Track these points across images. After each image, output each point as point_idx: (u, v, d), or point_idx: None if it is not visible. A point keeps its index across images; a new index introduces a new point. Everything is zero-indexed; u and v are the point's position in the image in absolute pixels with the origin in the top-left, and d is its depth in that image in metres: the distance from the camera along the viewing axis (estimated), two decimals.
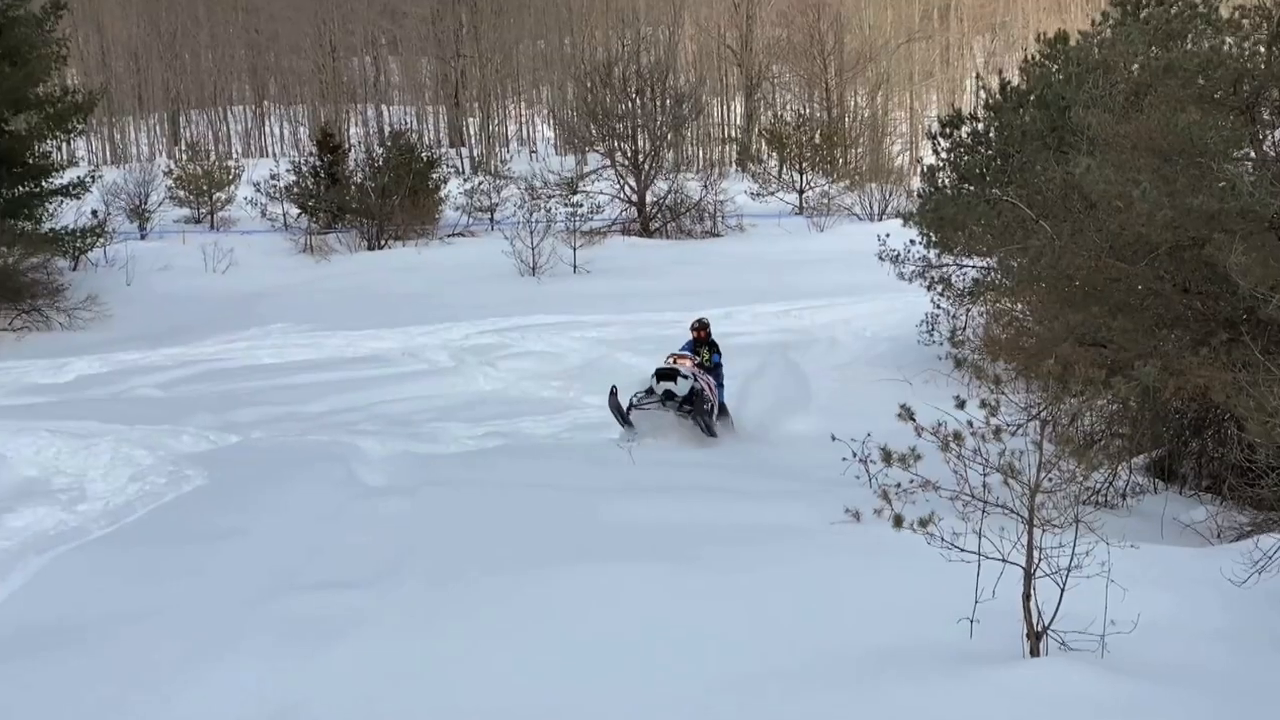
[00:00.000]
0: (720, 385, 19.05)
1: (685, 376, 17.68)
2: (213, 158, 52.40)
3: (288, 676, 7.61)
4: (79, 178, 36.66)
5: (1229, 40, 11.74)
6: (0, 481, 13.77)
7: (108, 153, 64.60)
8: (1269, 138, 11.03)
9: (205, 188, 46.19)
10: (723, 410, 18.91)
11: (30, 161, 34.39)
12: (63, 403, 19.31)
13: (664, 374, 17.72)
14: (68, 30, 36.76)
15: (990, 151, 21.53)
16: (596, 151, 45.11)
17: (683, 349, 19.15)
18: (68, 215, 35.39)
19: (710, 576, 9.24)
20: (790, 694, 6.94)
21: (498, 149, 64.67)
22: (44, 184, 34.70)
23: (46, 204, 34.67)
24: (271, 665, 7.73)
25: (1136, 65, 13.05)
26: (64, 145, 40.36)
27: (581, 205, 40.56)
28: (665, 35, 67.40)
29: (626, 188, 43.69)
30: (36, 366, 23.40)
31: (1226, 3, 12.79)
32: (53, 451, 15.08)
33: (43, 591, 10.11)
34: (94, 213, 36.92)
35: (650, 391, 17.99)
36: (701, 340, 19.34)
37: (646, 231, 42.03)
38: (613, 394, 17.88)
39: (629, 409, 17.90)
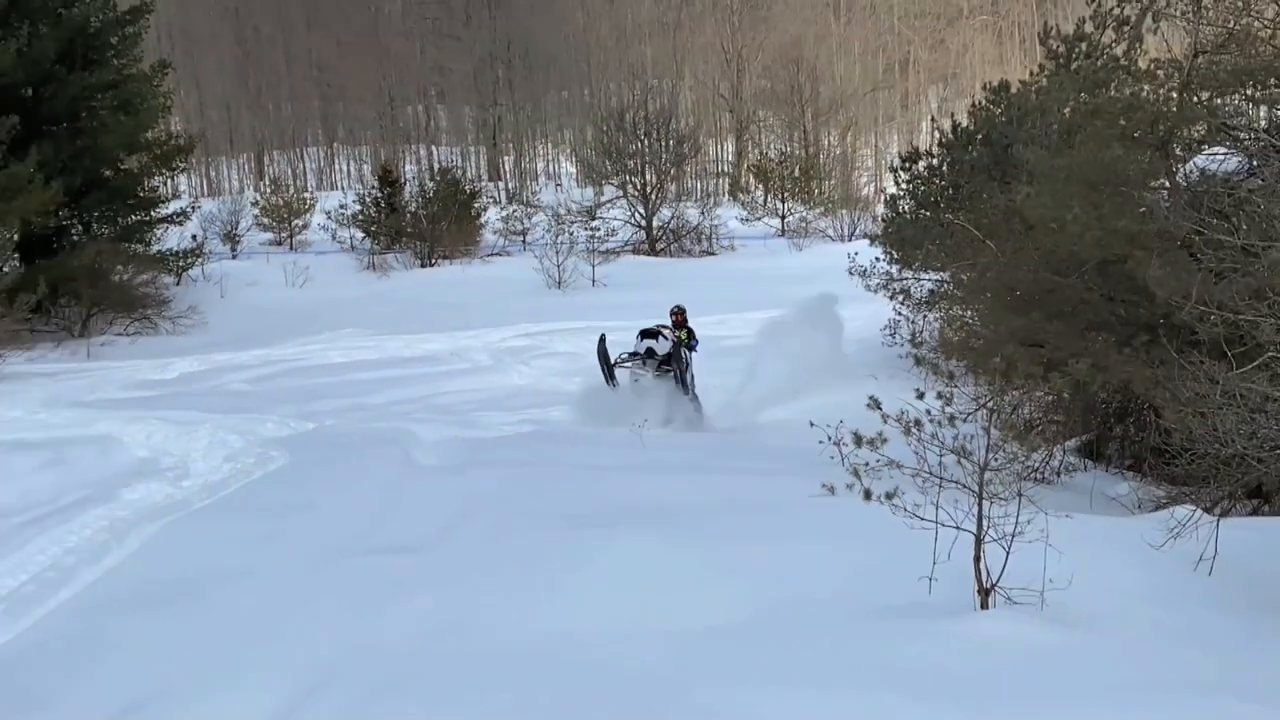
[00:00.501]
0: (690, 370, 18.39)
1: (666, 337, 17.55)
2: (291, 191, 52.32)
3: (364, 621, 7.58)
4: (181, 208, 36.71)
5: (1146, 88, 11.72)
6: (118, 461, 13.75)
7: (204, 187, 64.56)
8: (1180, 170, 10.98)
9: (285, 216, 46.18)
10: (694, 398, 18.32)
11: (141, 195, 34.46)
12: (168, 395, 19.31)
13: (647, 333, 17.59)
14: (171, 85, 36.65)
15: (943, 182, 21.49)
16: (611, 184, 45.08)
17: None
18: (172, 239, 35.43)
19: (706, 538, 9.22)
20: (776, 637, 6.90)
21: (528, 182, 64.57)
22: (153, 213, 34.73)
23: (155, 230, 34.70)
24: (349, 613, 7.71)
25: (1068, 109, 13.01)
26: (169, 181, 40.35)
27: (599, 229, 40.61)
28: (669, 86, 67.31)
29: (636, 214, 43.72)
30: (146, 365, 23.40)
31: (1144, 56, 12.71)
32: (161, 436, 15.08)
33: (154, 554, 10.10)
34: (194, 237, 36.94)
35: (635, 354, 17.79)
36: (679, 324, 18.88)
37: (653, 251, 42.00)
38: (601, 340, 17.64)
39: (614, 364, 17.60)
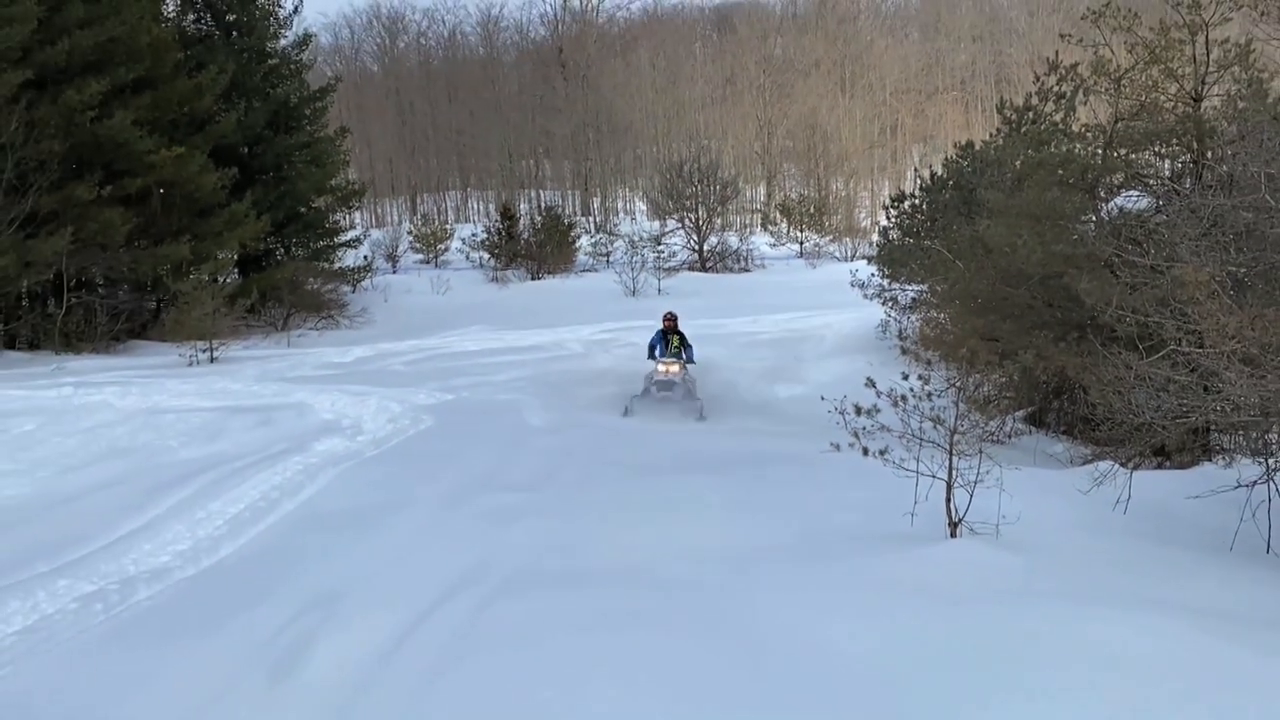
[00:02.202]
0: (690, 359, 16.64)
1: (677, 383, 15.84)
2: (436, 223, 52.65)
3: (484, 545, 7.64)
4: (356, 236, 37.17)
5: (1078, 146, 11.59)
6: (309, 422, 13.89)
7: (373, 220, 65.11)
8: (1103, 208, 10.88)
9: (432, 242, 46.44)
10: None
11: (326, 226, 34.83)
12: (347, 374, 19.48)
13: (662, 384, 15.82)
14: (349, 145, 37.02)
15: (923, 217, 21.32)
16: (672, 218, 45.01)
17: (656, 337, 17.03)
18: (349, 259, 35.72)
19: (739, 481, 9.25)
20: (805, 556, 6.91)
21: (611, 216, 64.57)
22: (335, 240, 35.09)
23: (336, 252, 35.02)
24: (480, 534, 7.78)
25: (1018, 161, 12.87)
26: (347, 216, 40.76)
27: (663, 251, 40.50)
28: (715, 145, 67.18)
29: (691, 240, 43.63)
30: (330, 351, 23.62)
31: (1076, 122, 12.57)
32: (341, 403, 15.20)
33: (335, 490, 10.19)
34: (365, 257, 37.21)
35: (652, 380, 15.99)
36: (671, 329, 17.01)
37: (704, 268, 41.86)
38: (630, 403, 15.59)
39: (638, 396, 15.78)
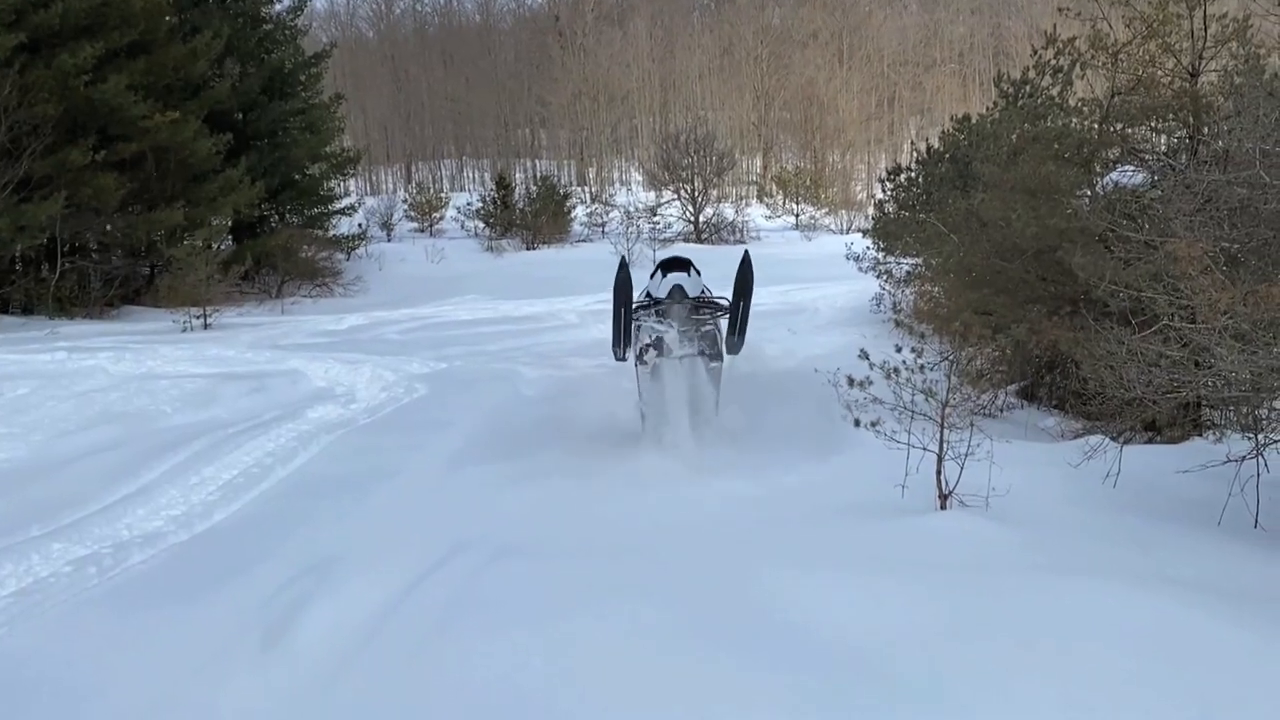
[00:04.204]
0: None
1: (695, 269, 10.28)
2: (431, 191, 52.40)
3: (476, 513, 7.67)
4: (350, 204, 37.02)
5: (1074, 120, 11.58)
6: (302, 390, 13.91)
7: (367, 188, 64.75)
8: (1098, 182, 10.87)
9: (427, 210, 46.26)
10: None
11: (321, 193, 34.74)
12: (341, 342, 19.49)
13: (671, 263, 10.13)
14: (344, 112, 36.87)
15: (919, 190, 21.29)
16: (668, 189, 44.91)
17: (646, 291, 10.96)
18: (343, 226, 35.64)
19: (734, 451, 9.26)
20: (801, 528, 6.95)
21: (606, 187, 64.29)
22: (329, 207, 34.99)
23: (331, 219, 34.94)
24: (473, 501, 7.82)
25: (1014, 135, 12.83)
26: (341, 183, 40.58)
27: (659, 223, 40.60)
28: (712, 116, 66.84)
29: (687, 212, 43.59)
30: (325, 319, 23.62)
31: (1073, 96, 12.54)
32: (335, 371, 15.23)
33: (329, 457, 10.25)
34: (359, 225, 37.16)
35: (656, 310, 9.78)
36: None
37: (699, 240, 41.78)
38: (623, 269, 9.67)
39: (634, 317, 9.76)
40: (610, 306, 9.88)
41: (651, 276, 10.04)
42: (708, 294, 10.20)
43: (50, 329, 21.61)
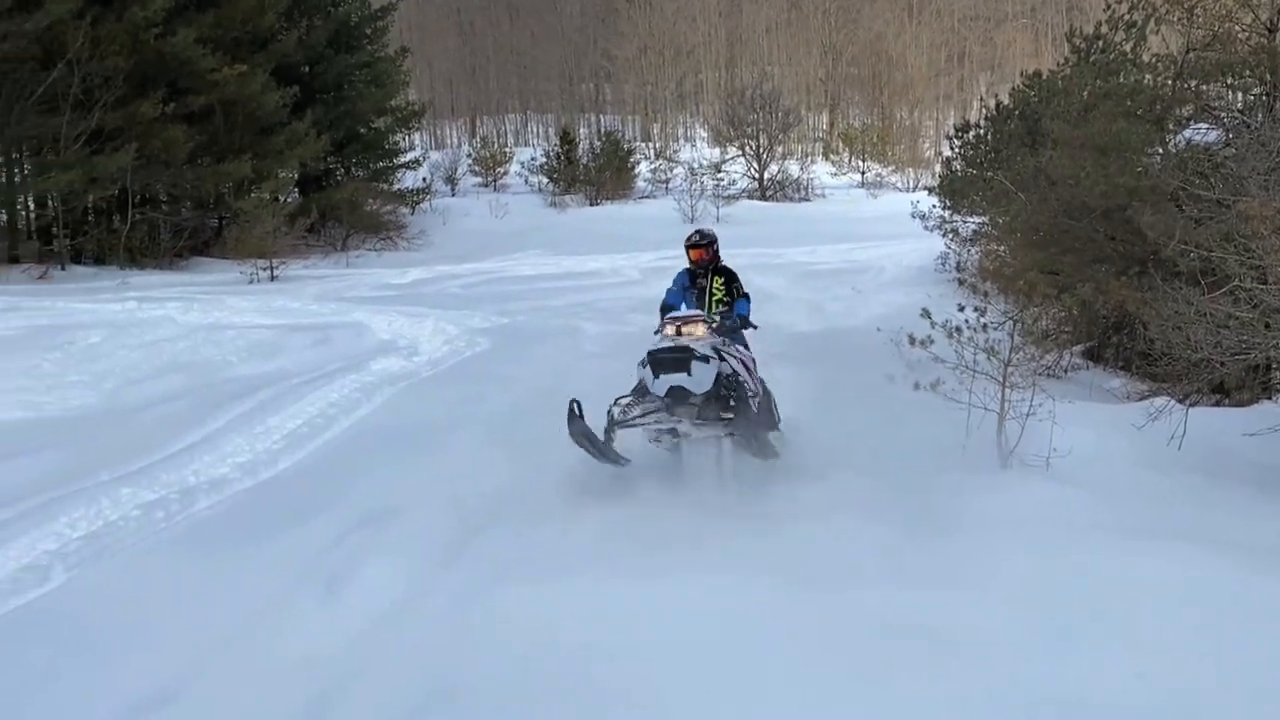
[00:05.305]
0: (746, 321, 8.06)
1: (703, 358, 6.89)
2: (495, 146, 52.51)
3: (536, 467, 7.69)
4: (415, 158, 37.23)
5: (1147, 76, 11.31)
6: (367, 342, 14.06)
7: (432, 142, 64.92)
8: (1171, 140, 10.64)
9: (491, 165, 46.37)
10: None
11: (386, 147, 34.95)
12: (404, 295, 19.65)
13: (666, 361, 6.91)
14: (409, 65, 36.97)
15: (987, 148, 20.95)
16: (733, 145, 44.62)
17: (676, 285, 8.58)
18: (408, 180, 35.87)
19: (798, 408, 9.25)
20: (869, 483, 6.93)
21: (670, 143, 63.99)
22: (394, 161, 35.19)
23: (395, 173, 35.16)
24: (530, 453, 7.84)
25: (1086, 92, 12.58)
26: (406, 137, 40.75)
27: (723, 179, 40.37)
28: (778, 71, 66.17)
29: (751, 169, 43.33)
30: (388, 273, 23.82)
31: (1147, 51, 12.25)
32: (398, 324, 15.38)
33: (391, 408, 10.37)
34: (424, 179, 37.38)
35: (644, 393, 7.26)
36: (704, 263, 8.54)
37: (763, 197, 41.52)
38: (573, 415, 7.14)
39: (610, 428, 7.26)
40: None
41: (641, 364, 7.20)
42: (724, 348, 7.36)
43: (121, 279, 22.04)
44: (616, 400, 7.36)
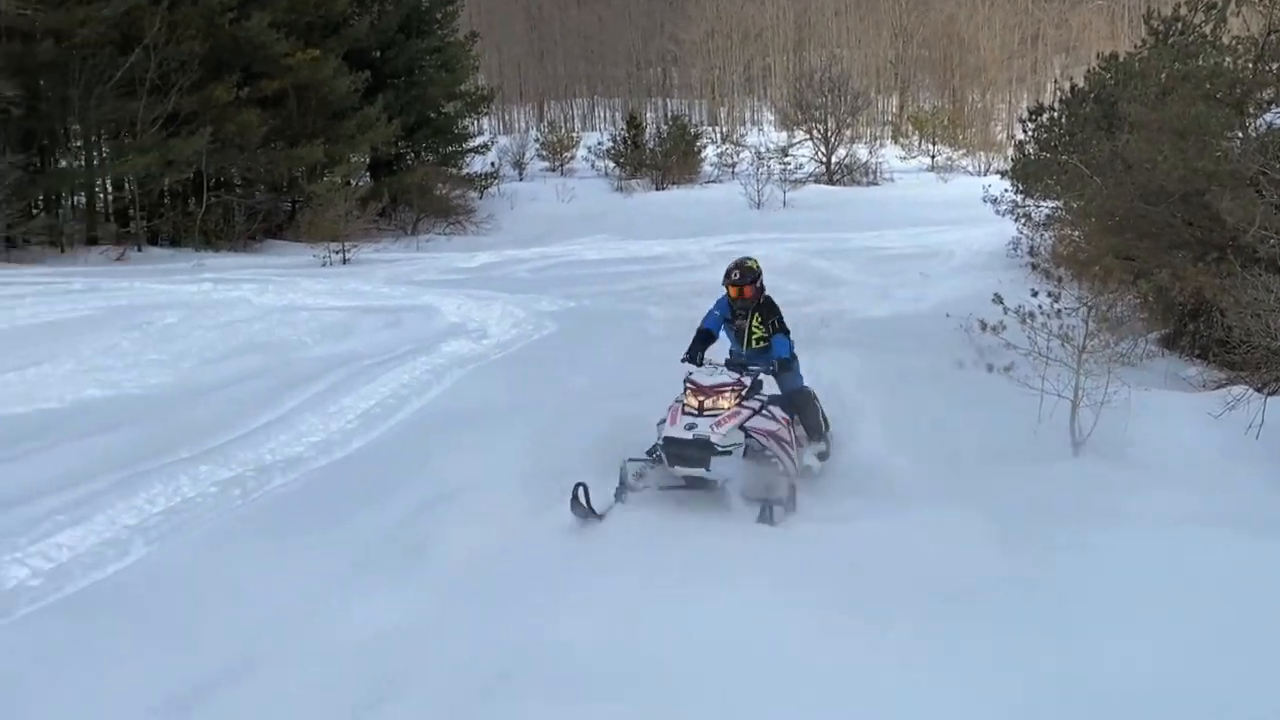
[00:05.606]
0: (789, 362, 7.30)
1: (722, 452, 6.39)
2: (563, 130, 52.77)
3: (604, 449, 7.71)
4: (484, 142, 37.50)
5: (1227, 59, 11.08)
6: (437, 325, 14.19)
7: (500, 127, 65.22)
8: (1251, 124, 10.41)
9: (558, 149, 46.58)
10: (805, 404, 7.40)
11: (455, 131, 35.22)
12: (472, 279, 19.78)
13: (683, 457, 6.44)
14: (478, 50, 37.12)
15: (1061, 131, 20.61)
16: (800, 129, 44.38)
17: (718, 310, 7.59)
18: (476, 165, 36.12)
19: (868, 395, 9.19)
20: (941, 469, 6.88)
21: (737, 127, 63.71)
22: (463, 146, 35.46)
23: (464, 158, 35.47)
24: (598, 437, 7.85)
25: (1164, 74, 12.34)
26: (475, 122, 41.02)
27: (789, 164, 40.13)
28: (847, 54, 65.57)
29: (819, 152, 43.06)
30: (457, 256, 24.01)
31: (1227, 33, 11.98)
32: (467, 307, 15.50)
33: (461, 390, 10.45)
34: (492, 164, 37.60)
35: (658, 460, 6.72)
36: (744, 300, 7.42)
37: (831, 181, 41.28)
38: (575, 501, 6.28)
39: (621, 492, 6.70)
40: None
41: (656, 446, 6.79)
42: (750, 422, 6.73)
43: (196, 260, 22.46)
44: (629, 459, 6.83)
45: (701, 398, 6.65)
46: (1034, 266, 11.10)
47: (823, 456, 7.37)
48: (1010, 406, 7.32)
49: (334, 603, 5.37)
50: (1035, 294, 7.16)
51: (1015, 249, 20.66)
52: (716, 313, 7.63)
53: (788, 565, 5.40)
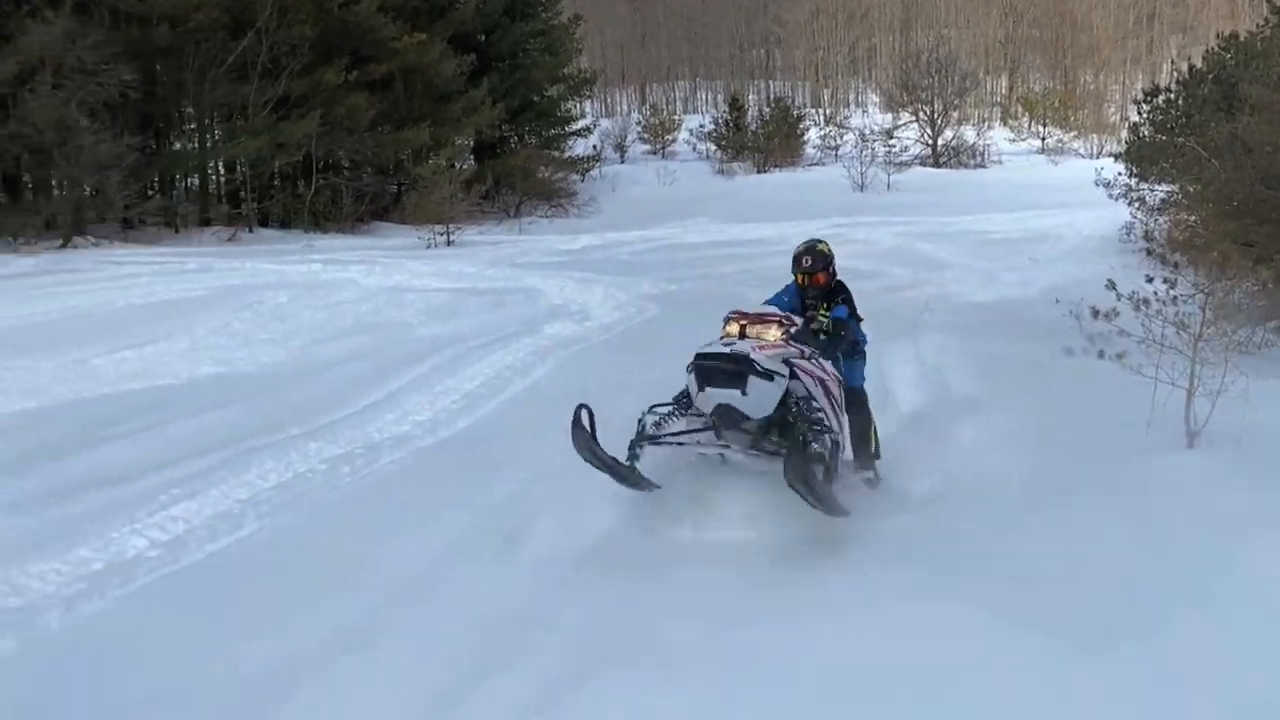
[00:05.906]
0: (859, 355, 6.94)
1: (766, 373, 5.35)
2: (664, 113, 52.80)
3: None
4: (586, 125, 37.78)
5: None
6: (540, 307, 14.33)
7: (602, 110, 65.39)
8: None
9: (660, 132, 46.61)
10: (858, 409, 6.67)
11: (558, 115, 35.46)
12: (574, 261, 19.91)
13: (715, 371, 5.43)
14: (581, 33, 37.28)
15: (1178, 113, 20.11)
16: (906, 111, 43.81)
17: (787, 296, 7.02)
18: (579, 148, 36.33)
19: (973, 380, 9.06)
20: (1045, 457, 6.77)
21: (841, 109, 63.09)
22: (565, 129, 35.70)
23: (567, 141, 35.70)
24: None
25: None
26: (578, 105, 41.22)
27: (894, 146, 39.68)
28: (955, 34, 64.43)
29: (925, 135, 42.47)
30: (559, 239, 24.20)
31: None
32: (570, 290, 15.63)
33: (563, 371, 10.57)
34: (594, 147, 37.81)
35: (687, 405, 5.91)
36: (817, 288, 6.90)
37: (936, 164, 40.71)
38: (577, 422, 5.98)
39: (638, 442, 6.03)
40: None
41: (688, 370, 5.74)
42: (799, 360, 5.86)
43: (305, 242, 22.97)
44: (652, 407, 6.02)
45: (744, 323, 5.79)
46: (1149, 252, 10.80)
47: (870, 484, 6.66)
48: (1119, 396, 7.15)
49: (442, 578, 5.48)
50: (1150, 280, 6.97)
51: (1128, 233, 20.18)
52: (785, 298, 6.89)
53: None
